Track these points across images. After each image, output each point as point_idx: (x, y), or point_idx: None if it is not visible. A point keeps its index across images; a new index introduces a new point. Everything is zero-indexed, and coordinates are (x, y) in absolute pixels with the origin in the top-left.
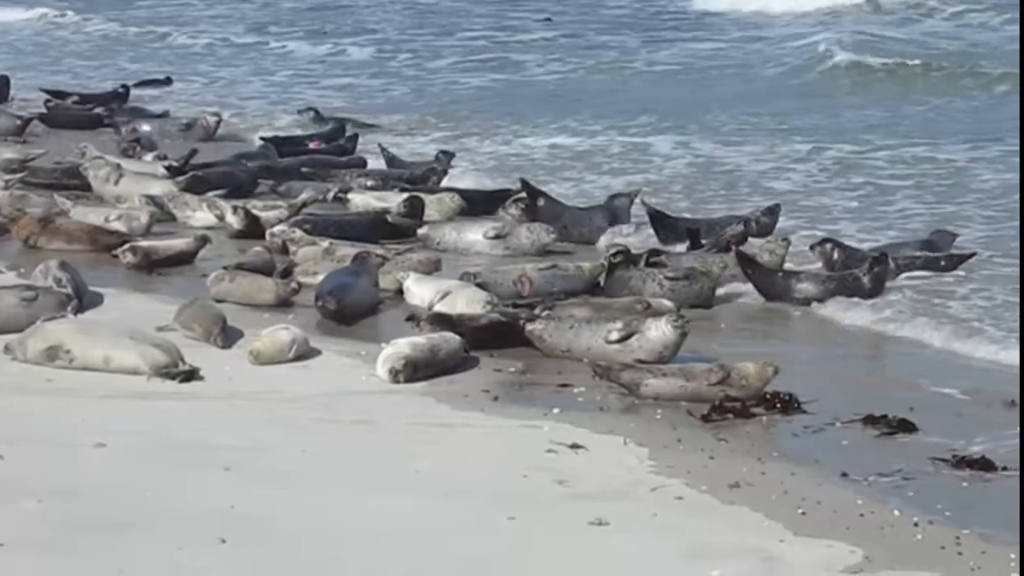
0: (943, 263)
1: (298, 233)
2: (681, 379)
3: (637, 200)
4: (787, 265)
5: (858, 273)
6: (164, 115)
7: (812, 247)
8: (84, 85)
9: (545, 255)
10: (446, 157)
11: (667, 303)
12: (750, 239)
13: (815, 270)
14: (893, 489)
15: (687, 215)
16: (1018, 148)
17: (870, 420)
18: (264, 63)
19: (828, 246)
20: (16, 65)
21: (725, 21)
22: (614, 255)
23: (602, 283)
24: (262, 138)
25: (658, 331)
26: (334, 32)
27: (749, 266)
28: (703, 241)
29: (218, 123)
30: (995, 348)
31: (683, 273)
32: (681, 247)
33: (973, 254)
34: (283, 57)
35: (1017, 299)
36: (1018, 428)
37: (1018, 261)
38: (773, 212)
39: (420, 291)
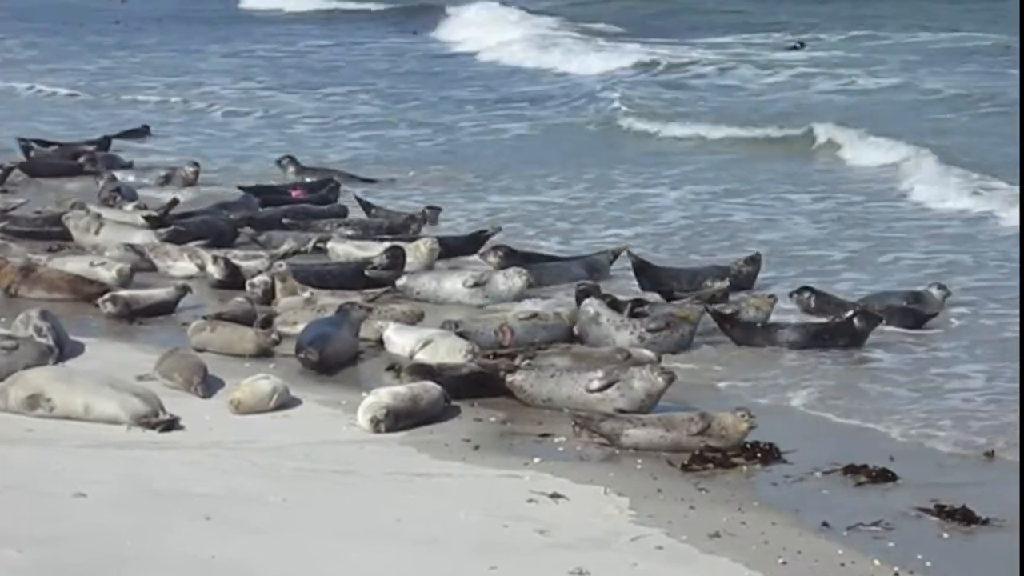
0: (910, 319)
1: (284, 267)
2: (661, 429)
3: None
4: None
5: (836, 328)
6: (129, 165)
7: (791, 294)
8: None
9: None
10: (432, 212)
11: (648, 352)
12: (733, 290)
13: (794, 321)
14: (874, 540)
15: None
16: None
17: (850, 470)
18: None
19: (806, 294)
20: None
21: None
22: (581, 291)
23: (576, 331)
24: (240, 188)
25: (643, 380)
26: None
27: (727, 322)
28: (680, 293)
29: (196, 172)
30: (974, 396)
31: (663, 322)
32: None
33: (935, 314)
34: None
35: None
36: (998, 478)
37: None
38: (755, 261)
39: (400, 340)
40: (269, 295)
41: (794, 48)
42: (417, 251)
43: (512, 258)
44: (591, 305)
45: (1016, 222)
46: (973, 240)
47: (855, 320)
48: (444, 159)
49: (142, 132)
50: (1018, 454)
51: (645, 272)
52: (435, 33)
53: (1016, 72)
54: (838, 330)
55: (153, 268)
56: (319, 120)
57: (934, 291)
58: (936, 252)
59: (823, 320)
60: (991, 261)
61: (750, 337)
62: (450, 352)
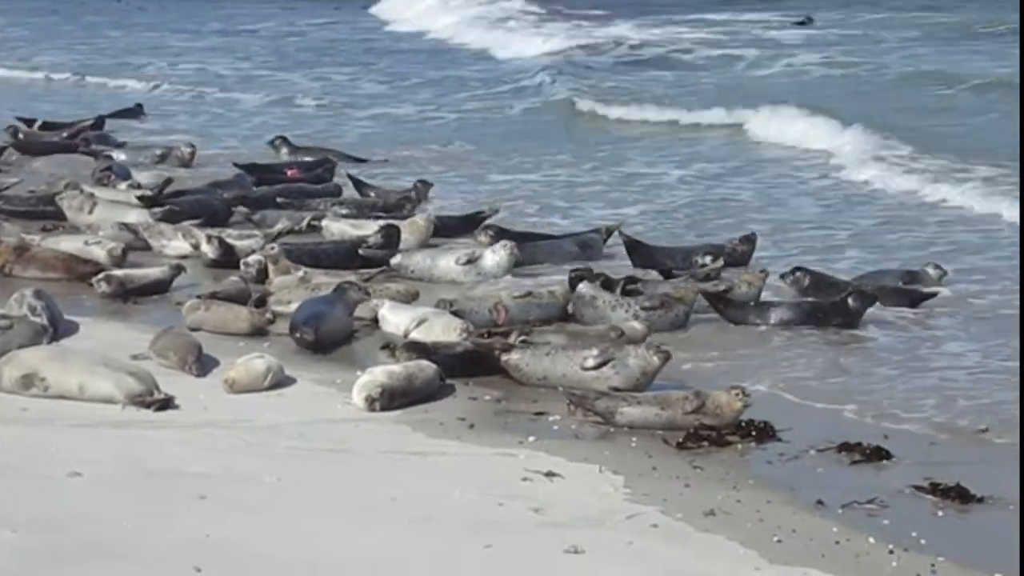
0: (908, 298)
1: (276, 249)
2: (656, 407)
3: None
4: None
5: (830, 307)
6: (121, 145)
7: (783, 276)
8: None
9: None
10: (424, 187)
11: (639, 326)
12: (729, 267)
13: (787, 299)
14: (868, 517)
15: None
16: None
17: (845, 448)
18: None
19: (799, 274)
20: None
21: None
22: (574, 277)
23: (571, 309)
24: (236, 164)
25: (638, 358)
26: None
27: (719, 302)
28: (677, 272)
29: (192, 153)
30: (965, 374)
31: (658, 301)
32: (655, 275)
33: (935, 293)
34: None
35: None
36: (992, 456)
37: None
38: (750, 240)
39: (395, 319)
40: (263, 275)
41: (801, 23)
42: (414, 225)
43: (503, 237)
44: (586, 288)
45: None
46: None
47: (849, 299)
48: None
49: (135, 111)
50: (1011, 433)
51: (637, 251)
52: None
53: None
54: (832, 309)
55: (147, 247)
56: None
57: (930, 270)
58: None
59: (817, 299)
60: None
61: (744, 316)
62: (445, 330)
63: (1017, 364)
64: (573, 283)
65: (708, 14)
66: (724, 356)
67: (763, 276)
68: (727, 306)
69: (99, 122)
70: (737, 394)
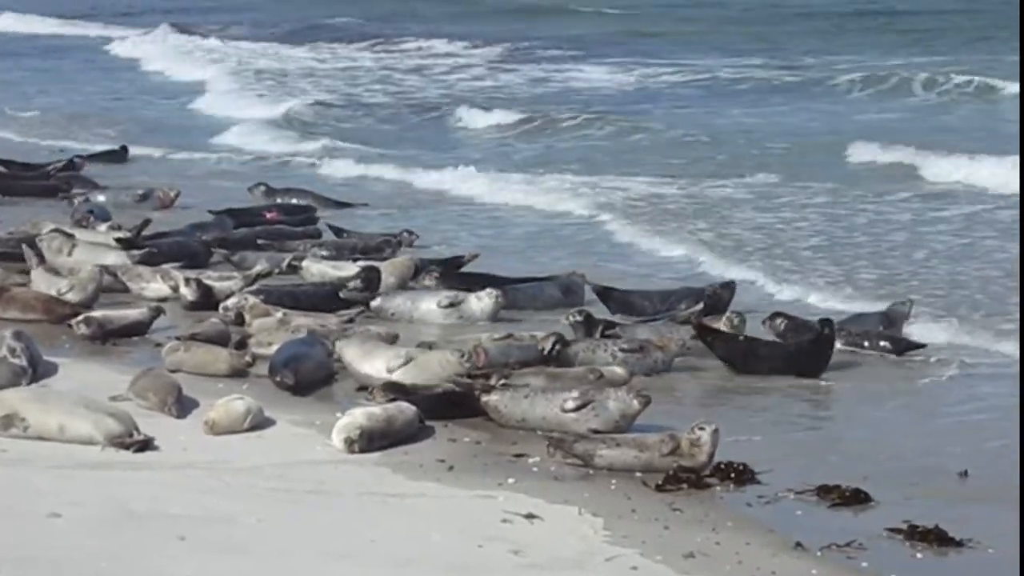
0: (891, 348)
1: (251, 300)
2: (634, 450)
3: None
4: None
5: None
6: (104, 188)
7: (763, 322)
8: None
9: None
10: (408, 236)
11: (619, 371)
12: (706, 314)
13: (773, 339)
14: (847, 560)
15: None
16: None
17: (824, 490)
18: None
19: (778, 320)
20: None
21: None
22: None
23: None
24: (212, 212)
25: (618, 401)
26: None
27: (710, 335)
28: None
29: (176, 196)
30: (949, 416)
31: (638, 345)
32: (633, 319)
33: (923, 345)
34: None
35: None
36: (971, 499)
37: None
38: (729, 287)
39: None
40: (241, 319)
41: None
42: (395, 265)
43: (445, 280)
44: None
45: None
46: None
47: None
48: None
49: (120, 154)
50: (990, 476)
51: (611, 298)
52: None
53: None
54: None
55: (126, 289)
56: None
57: (900, 307)
58: None
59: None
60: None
61: (733, 353)
62: (442, 363)
63: (997, 406)
64: (576, 328)
65: None
66: (701, 401)
67: (742, 319)
68: (718, 340)
69: (71, 163)
70: (697, 427)
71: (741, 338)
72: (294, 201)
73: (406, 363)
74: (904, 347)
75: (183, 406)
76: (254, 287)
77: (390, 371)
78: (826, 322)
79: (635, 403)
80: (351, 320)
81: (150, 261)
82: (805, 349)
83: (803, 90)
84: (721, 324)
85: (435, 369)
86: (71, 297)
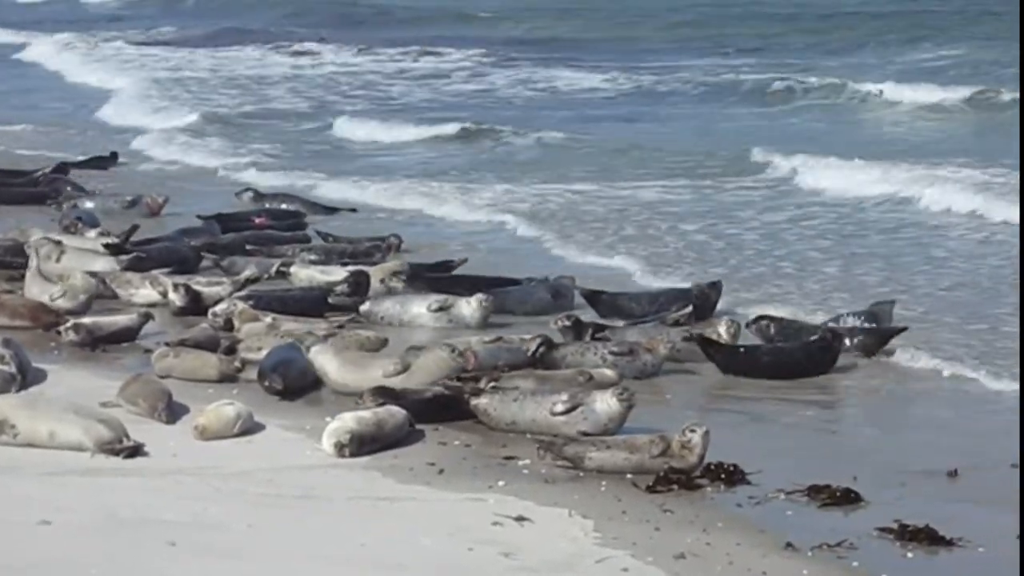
0: (873, 342)
1: (240, 305)
2: (624, 451)
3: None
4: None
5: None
6: (93, 193)
7: (748, 325)
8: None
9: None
10: (396, 240)
11: (609, 373)
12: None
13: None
14: (838, 559)
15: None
16: None
17: (814, 490)
18: None
19: (764, 323)
20: None
21: None
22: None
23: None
24: (200, 217)
25: (604, 404)
26: None
27: (711, 347)
28: (645, 318)
29: (164, 203)
30: (937, 414)
31: (627, 348)
32: (622, 322)
33: (904, 328)
34: None
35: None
36: (961, 498)
37: None
38: (716, 287)
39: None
40: (230, 325)
41: None
42: (385, 270)
43: (414, 280)
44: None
45: None
46: None
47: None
48: None
49: (109, 159)
50: (980, 474)
51: (599, 301)
52: None
53: None
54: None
55: (115, 296)
56: None
57: (884, 306)
58: None
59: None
60: None
61: (733, 363)
62: (438, 364)
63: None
64: (564, 333)
65: None
66: (690, 403)
67: (736, 325)
68: (719, 351)
69: (60, 167)
70: (687, 429)
71: (741, 349)
72: (283, 206)
73: (404, 370)
74: (887, 337)
75: (173, 412)
76: (243, 292)
77: (387, 378)
78: (830, 329)
79: (623, 405)
80: (341, 326)
81: (138, 267)
82: (814, 355)
83: None
84: (720, 330)
85: (433, 370)
86: (62, 303)
